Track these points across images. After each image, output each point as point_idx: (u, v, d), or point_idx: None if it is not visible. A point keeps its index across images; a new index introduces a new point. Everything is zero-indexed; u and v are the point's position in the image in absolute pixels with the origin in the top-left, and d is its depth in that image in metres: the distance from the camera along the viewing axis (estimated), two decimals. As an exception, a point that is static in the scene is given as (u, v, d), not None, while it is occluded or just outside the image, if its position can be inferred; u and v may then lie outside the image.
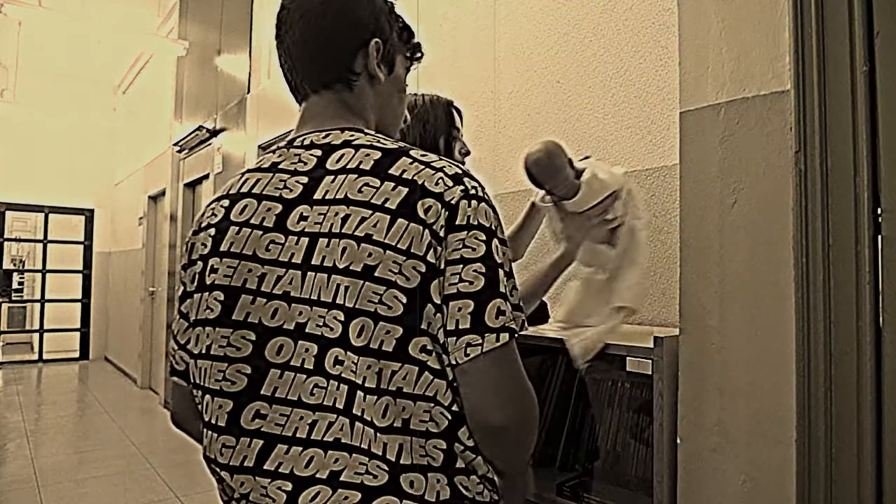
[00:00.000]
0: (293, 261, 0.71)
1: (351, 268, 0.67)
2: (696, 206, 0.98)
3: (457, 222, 0.69)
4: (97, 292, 8.21)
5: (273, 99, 3.66)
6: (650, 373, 1.04)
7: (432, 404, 0.69)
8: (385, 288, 0.67)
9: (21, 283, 10.11)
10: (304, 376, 0.69)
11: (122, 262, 7.66)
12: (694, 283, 0.98)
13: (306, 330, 0.69)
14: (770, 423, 0.88)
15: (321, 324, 0.68)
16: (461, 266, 0.68)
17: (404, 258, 0.67)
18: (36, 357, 8.05)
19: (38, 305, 8.15)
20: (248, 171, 0.82)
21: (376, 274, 0.67)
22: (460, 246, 0.69)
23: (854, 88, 0.82)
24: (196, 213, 5.28)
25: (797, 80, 0.87)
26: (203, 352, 0.75)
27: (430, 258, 0.67)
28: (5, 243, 7.74)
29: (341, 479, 0.67)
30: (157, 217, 6.46)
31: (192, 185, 5.39)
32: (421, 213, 0.68)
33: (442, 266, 0.68)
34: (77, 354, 8.18)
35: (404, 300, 0.67)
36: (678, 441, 0.99)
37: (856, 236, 0.81)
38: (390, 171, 0.71)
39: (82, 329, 8.23)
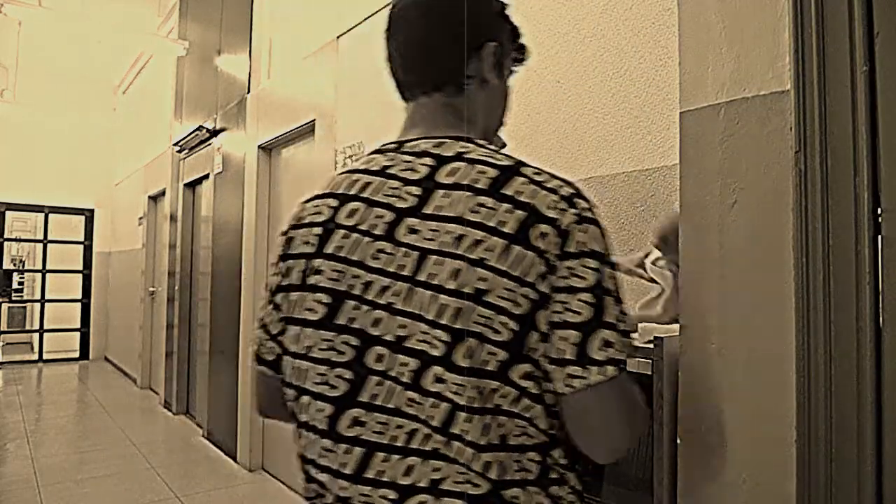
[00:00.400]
0: (402, 273, 0.70)
1: (462, 290, 0.66)
2: (696, 206, 0.98)
3: (567, 249, 0.67)
4: (97, 292, 8.21)
5: (273, 99, 3.66)
6: (650, 373, 1.04)
7: (527, 424, 0.69)
8: (494, 313, 0.66)
9: (21, 283, 10.11)
10: (401, 388, 0.69)
11: (122, 262, 7.66)
12: (694, 282, 0.98)
13: (405, 344, 0.68)
14: (770, 423, 0.88)
15: (423, 340, 0.67)
16: (569, 295, 0.67)
17: (517, 285, 0.66)
18: (36, 357, 8.04)
19: (38, 305, 8.15)
20: (356, 171, 0.80)
21: (486, 299, 0.66)
22: (569, 275, 0.67)
23: (854, 88, 0.82)
24: (196, 213, 5.30)
25: (797, 80, 0.87)
26: (303, 352, 0.75)
27: (541, 287, 0.66)
28: (5, 243, 7.74)
29: (441, 487, 0.67)
30: (157, 217, 6.46)
31: (192, 186, 5.39)
32: (535, 241, 0.67)
33: (550, 293, 0.67)
34: (77, 354, 8.18)
35: (514, 326, 0.66)
36: (678, 441, 0.99)
37: (856, 236, 0.81)
38: (504, 192, 0.69)
39: (82, 329, 8.23)
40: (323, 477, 0.73)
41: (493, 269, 0.66)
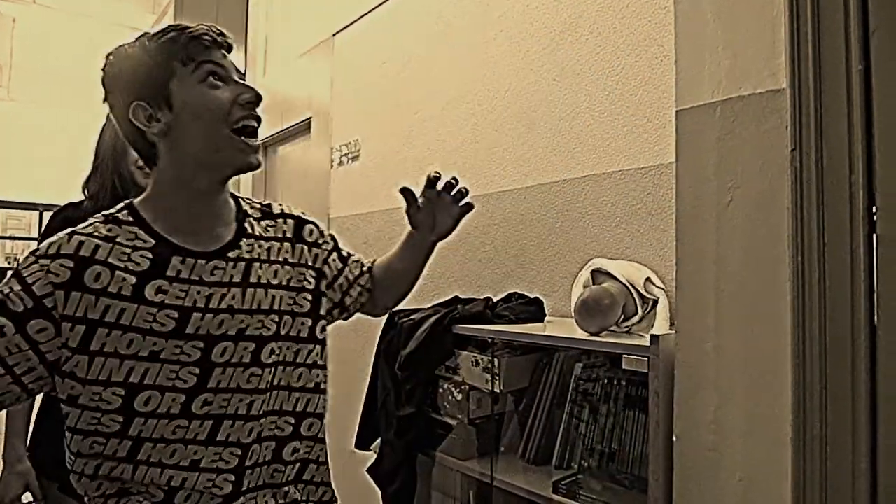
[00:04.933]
0: None
1: None
2: (693, 204, 0.98)
3: None
4: (92, 290, 8.16)
5: (269, 96, 3.65)
6: (646, 371, 1.04)
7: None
8: None
9: (16, 282, 10.06)
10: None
11: (117, 261, 7.61)
12: (690, 281, 0.98)
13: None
14: (766, 421, 0.88)
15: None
16: None
17: None
18: (31, 355, 8.00)
19: (32, 304, 8.09)
20: None
21: None
22: None
23: (850, 86, 0.82)
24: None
25: (793, 78, 0.87)
26: None
27: None
28: None
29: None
30: (153, 215, 6.42)
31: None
32: None
33: None
34: (72, 353, 8.13)
35: None
36: (674, 439, 0.99)
37: (851, 235, 0.81)
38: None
39: (77, 327, 8.18)
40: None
41: None
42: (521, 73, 1.89)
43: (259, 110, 0.89)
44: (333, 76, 2.90)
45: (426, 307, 1.64)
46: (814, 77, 0.85)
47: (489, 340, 1.43)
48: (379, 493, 1.58)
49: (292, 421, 0.93)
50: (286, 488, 0.92)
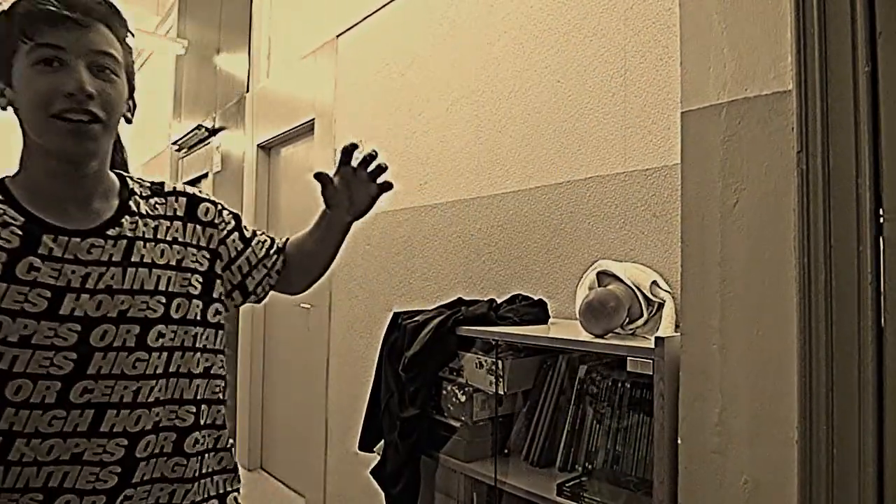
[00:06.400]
0: None
1: None
2: (698, 206, 0.98)
3: None
4: (95, 291, 8.17)
5: (272, 98, 3.66)
6: (651, 373, 1.04)
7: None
8: None
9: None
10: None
11: (120, 261, 7.63)
12: (695, 283, 0.98)
13: None
14: (771, 423, 0.88)
15: None
16: None
17: None
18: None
19: (36, 304, 8.10)
20: None
21: None
22: None
23: (856, 88, 0.82)
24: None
25: (799, 80, 0.87)
26: None
27: None
28: (3, 242, 7.71)
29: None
30: (156, 216, 6.42)
31: (191, 184, 5.36)
32: None
33: None
34: (75, 353, 8.14)
35: None
36: (679, 441, 0.99)
37: (858, 237, 0.81)
38: None
39: (81, 328, 8.19)
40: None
41: None
42: (525, 75, 1.89)
43: (95, 104, 0.80)
44: (337, 78, 2.90)
45: (430, 308, 1.64)
46: (820, 79, 0.85)
47: (493, 342, 1.43)
48: (382, 495, 1.58)
49: (194, 410, 0.88)
50: (189, 485, 0.87)
